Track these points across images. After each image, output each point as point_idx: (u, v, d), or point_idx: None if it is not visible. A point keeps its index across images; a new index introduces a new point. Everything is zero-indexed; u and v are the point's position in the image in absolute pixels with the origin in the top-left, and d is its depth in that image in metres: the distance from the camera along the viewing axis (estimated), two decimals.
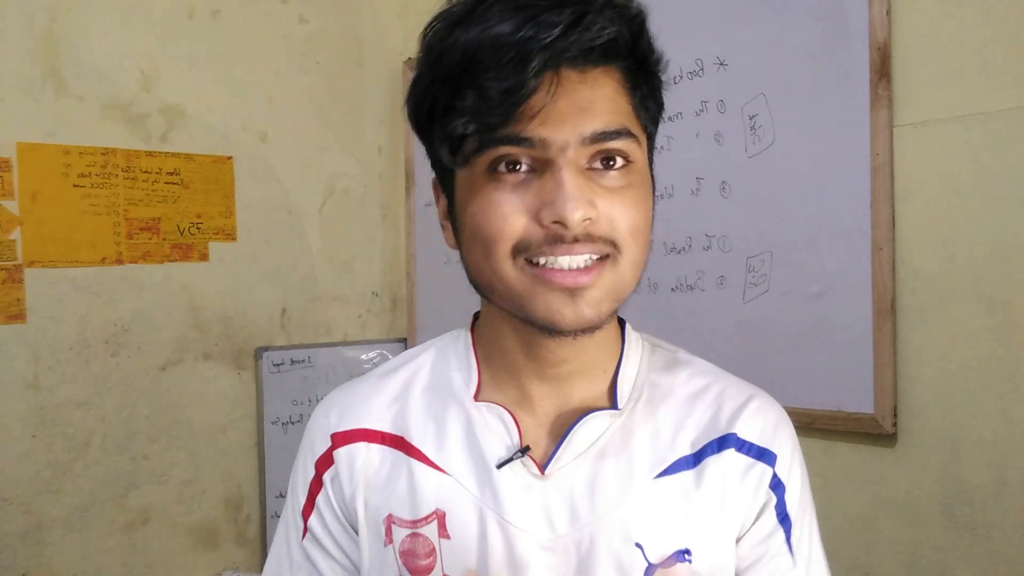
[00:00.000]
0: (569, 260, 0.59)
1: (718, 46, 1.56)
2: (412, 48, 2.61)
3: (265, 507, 2.13)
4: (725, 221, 1.55)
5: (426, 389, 0.73)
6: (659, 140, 1.74)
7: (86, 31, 1.87)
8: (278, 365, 2.14)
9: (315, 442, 0.74)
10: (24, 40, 1.80)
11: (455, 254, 0.68)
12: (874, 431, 1.36)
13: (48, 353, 1.83)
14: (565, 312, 0.60)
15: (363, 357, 2.23)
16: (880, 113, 1.33)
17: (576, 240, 0.59)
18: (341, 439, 0.72)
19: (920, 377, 1.32)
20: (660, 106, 0.68)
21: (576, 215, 0.58)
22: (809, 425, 1.41)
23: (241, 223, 2.11)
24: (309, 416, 0.77)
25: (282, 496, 2.12)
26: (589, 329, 0.62)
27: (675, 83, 1.62)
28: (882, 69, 1.33)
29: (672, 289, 1.64)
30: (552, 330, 0.62)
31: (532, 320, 0.62)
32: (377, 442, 0.71)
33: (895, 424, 1.34)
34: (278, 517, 0.88)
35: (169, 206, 2.00)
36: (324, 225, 2.28)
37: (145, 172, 1.96)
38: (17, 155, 1.79)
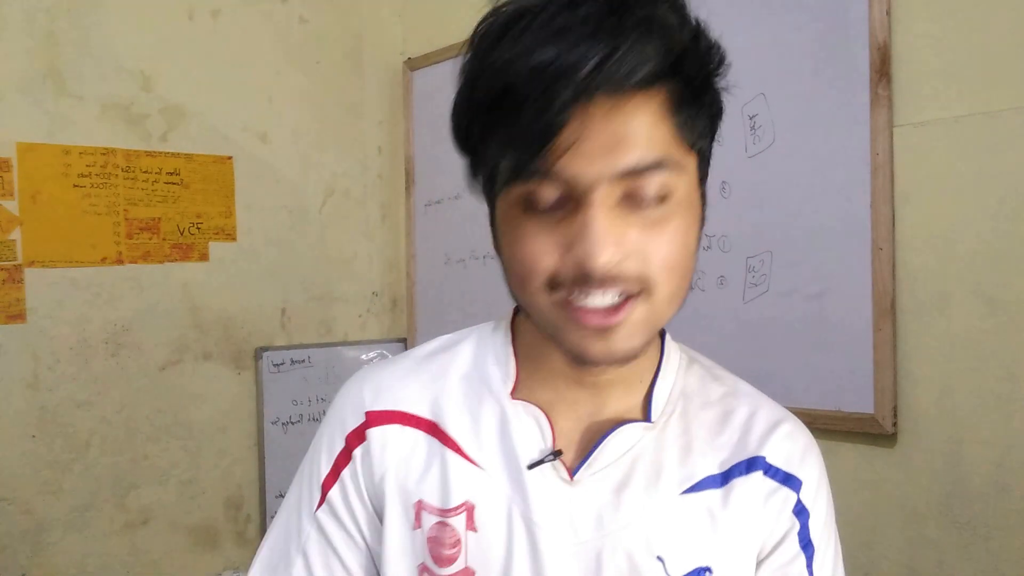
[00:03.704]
0: (599, 299, 0.58)
1: None
2: (412, 48, 2.62)
3: (265, 507, 2.13)
4: (725, 221, 1.55)
5: (463, 379, 0.72)
6: None
7: (86, 31, 1.87)
8: (278, 365, 2.14)
9: (346, 416, 0.73)
10: (24, 40, 1.80)
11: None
12: (874, 431, 1.36)
13: (48, 353, 1.83)
14: (595, 349, 0.60)
15: (363, 357, 2.23)
16: (880, 113, 1.33)
17: (604, 281, 0.57)
18: (376, 418, 0.71)
19: (920, 377, 1.32)
20: (713, 117, 0.64)
21: (601, 260, 0.56)
22: (809, 425, 1.39)
23: (241, 223, 2.11)
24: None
25: (282, 496, 2.11)
26: (623, 362, 0.62)
27: None
28: (882, 69, 1.33)
29: None
30: (583, 362, 0.62)
31: (564, 350, 0.62)
32: (413, 426, 0.71)
33: (895, 424, 1.34)
34: None
35: (169, 206, 2.00)
36: (324, 225, 2.28)
37: (145, 172, 1.96)
38: (17, 155, 1.79)
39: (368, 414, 0.72)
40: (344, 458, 0.72)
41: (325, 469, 0.72)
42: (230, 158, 2.10)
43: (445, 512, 0.68)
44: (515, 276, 0.62)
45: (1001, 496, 1.24)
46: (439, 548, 0.68)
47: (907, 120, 1.32)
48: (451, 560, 0.67)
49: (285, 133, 2.19)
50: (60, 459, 1.84)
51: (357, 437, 0.71)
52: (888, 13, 1.33)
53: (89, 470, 1.87)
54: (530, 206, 0.59)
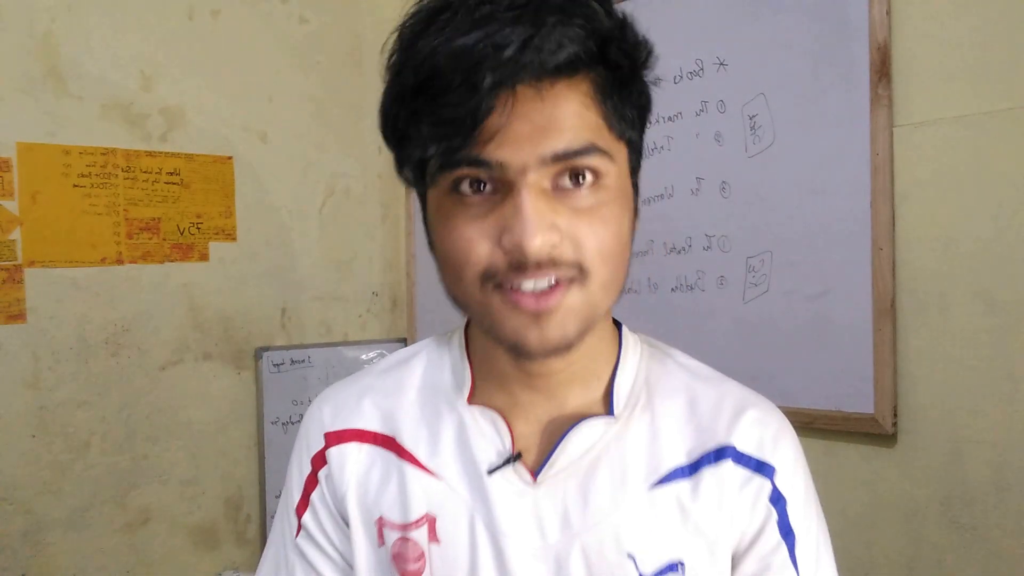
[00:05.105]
0: (533, 284, 0.58)
1: (718, 46, 1.56)
2: None
3: (265, 507, 2.13)
4: (725, 221, 1.55)
5: (420, 390, 0.72)
6: (659, 140, 1.74)
7: (86, 31, 1.87)
8: (278, 365, 2.14)
9: (311, 438, 0.73)
10: (24, 40, 1.80)
11: (431, 243, 0.67)
12: (874, 431, 1.36)
13: (48, 353, 1.83)
14: (531, 336, 0.59)
15: (363, 357, 2.23)
16: (880, 113, 1.33)
17: (539, 265, 0.57)
18: (334, 438, 0.72)
19: (920, 377, 1.32)
20: (641, 109, 0.64)
21: (534, 243, 0.56)
22: (809, 425, 1.41)
23: (241, 223, 2.11)
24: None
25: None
26: (557, 351, 0.61)
27: (675, 83, 1.62)
28: (882, 69, 1.33)
29: (672, 289, 1.64)
30: (520, 352, 0.61)
31: (501, 342, 0.62)
32: (368, 442, 0.71)
33: (895, 424, 1.34)
34: None
35: (169, 206, 2.00)
36: (324, 225, 2.28)
37: (145, 172, 1.96)
38: (17, 155, 1.79)
39: (327, 435, 0.72)
40: (311, 482, 0.72)
41: (297, 495, 0.73)
42: (230, 158, 2.10)
43: (406, 527, 0.67)
44: (450, 270, 0.61)
45: (1001, 496, 1.24)
46: (403, 564, 0.67)
47: (907, 120, 1.32)
48: (416, 574, 0.66)
49: (285, 133, 2.19)
50: (60, 459, 1.84)
51: (320, 460, 0.72)
52: (888, 13, 1.33)
53: (89, 470, 1.87)
54: (460, 196, 0.59)
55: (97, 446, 1.89)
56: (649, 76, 0.64)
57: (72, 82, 1.85)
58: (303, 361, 2.17)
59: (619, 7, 0.62)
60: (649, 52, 0.62)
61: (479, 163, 0.57)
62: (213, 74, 2.06)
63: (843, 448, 1.41)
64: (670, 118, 1.63)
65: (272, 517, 2.11)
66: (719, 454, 0.67)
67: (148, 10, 1.96)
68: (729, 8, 1.54)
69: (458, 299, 0.64)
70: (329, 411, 0.73)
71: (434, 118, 0.56)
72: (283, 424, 2.14)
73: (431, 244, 0.66)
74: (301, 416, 2.15)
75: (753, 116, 1.50)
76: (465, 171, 0.58)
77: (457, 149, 0.56)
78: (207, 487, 2.06)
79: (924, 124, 1.31)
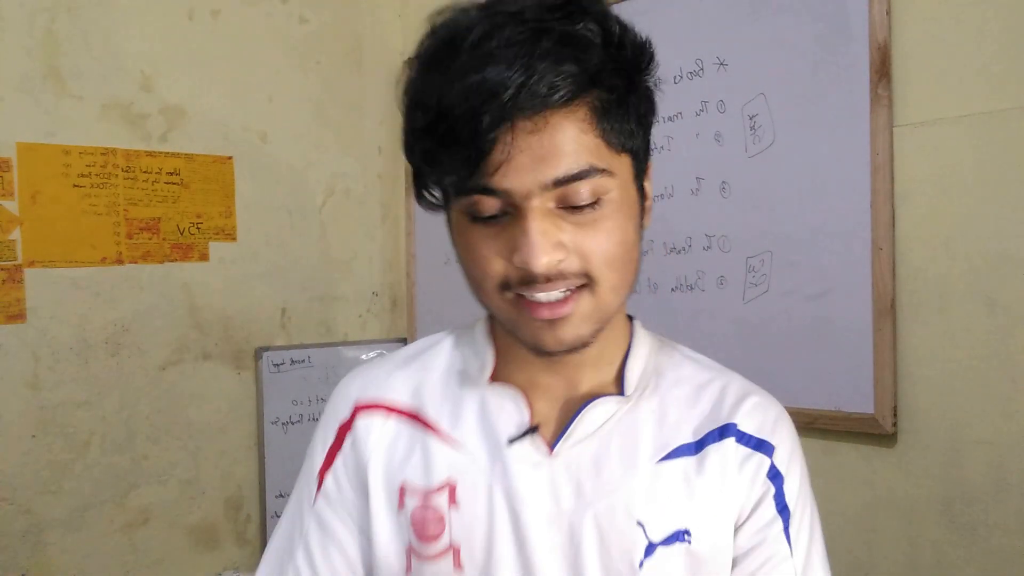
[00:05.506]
0: (545, 296, 0.63)
1: (718, 46, 1.56)
2: (412, 48, 2.62)
3: (265, 507, 2.13)
4: (725, 221, 1.55)
5: (444, 371, 0.77)
6: (659, 140, 1.74)
7: (86, 31, 1.87)
8: (278, 365, 2.14)
9: (338, 409, 0.78)
10: (24, 40, 1.80)
11: (455, 253, 0.71)
12: (874, 431, 1.36)
13: (48, 353, 1.83)
14: (547, 339, 0.66)
15: (363, 357, 2.23)
16: (880, 113, 1.33)
17: (548, 279, 0.63)
18: (363, 409, 0.77)
19: (920, 377, 1.32)
20: (643, 116, 0.67)
21: (540, 263, 0.61)
22: (809, 425, 1.41)
23: (241, 223, 2.11)
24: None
25: (282, 496, 2.12)
26: (573, 349, 0.67)
27: (675, 83, 1.62)
28: (882, 69, 1.33)
29: (672, 289, 1.64)
30: (539, 353, 0.67)
31: (521, 342, 0.68)
32: (396, 414, 0.76)
33: (895, 424, 1.34)
34: (278, 517, 0.89)
35: (169, 206, 2.00)
36: (324, 225, 2.28)
37: (145, 172, 1.96)
38: (17, 155, 1.79)
39: (356, 406, 0.77)
40: (336, 447, 0.77)
41: (320, 460, 0.78)
42: (230, 158, 2.10)
43: (427, 492, 0.72)
44: (472, 279, 0.68)
45: (1001, 496, 1.24)
46: (423, 527, 0.71)
47: (907, 120, 1.32)
48: (435, 538, 0.71)
49: (285, 133, 2.19)
50: (60, 459, 1.84)
51: (347, 428, 0.77)
52: (888, 13, 1.33)
53: (89, 470, 1.87)
54: (475, 216, 0.65)
55: (97, 446, 1.89)
56: (650, 81, 0.67)
57: (72, 82, 1.85)
58: (303, 361, 2.17)
59: (619, 7, 0.62)
60: (649, 59, 0.66)
61: (488, 191, 0.62)
62: (213, 74, 2.06)
63: (843, 448, 1.41)
64: (670, 118, 1.63)
65: (272, 517, 2.11)
66: (723, 432, 0.72)
67: (148, 10, 1.96)
68: (729, 8, 1.54)
69: (481, 302, 0.70)
70: (359, 385, 0.79)
71: (444, 156, 0.62)
72: (283, 424, 2.14)
73: (456, 252, 0.72)
74: (301, 416, 2.16)
75: (753, 116, 1.50)
76: (476, 199, 0.63)
77: (466, 180, 0.62)
78: (207, 487, 2.06)
79: (924, 124, 1.31)
